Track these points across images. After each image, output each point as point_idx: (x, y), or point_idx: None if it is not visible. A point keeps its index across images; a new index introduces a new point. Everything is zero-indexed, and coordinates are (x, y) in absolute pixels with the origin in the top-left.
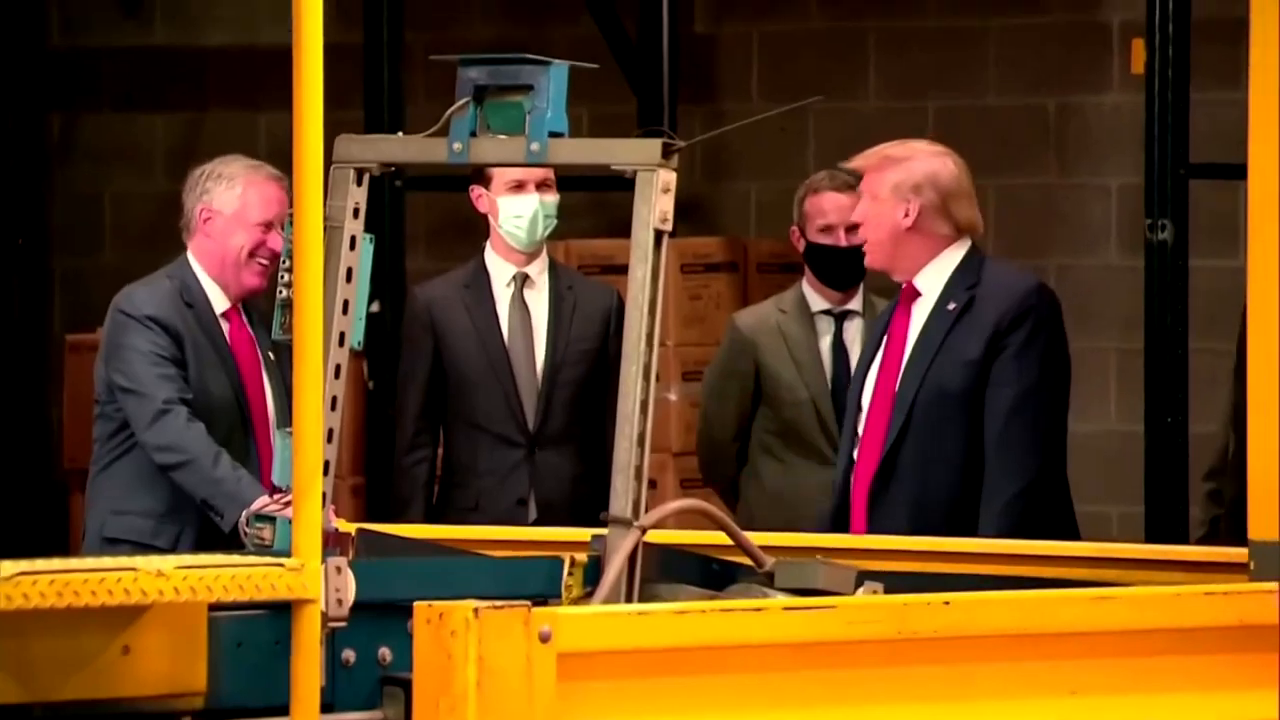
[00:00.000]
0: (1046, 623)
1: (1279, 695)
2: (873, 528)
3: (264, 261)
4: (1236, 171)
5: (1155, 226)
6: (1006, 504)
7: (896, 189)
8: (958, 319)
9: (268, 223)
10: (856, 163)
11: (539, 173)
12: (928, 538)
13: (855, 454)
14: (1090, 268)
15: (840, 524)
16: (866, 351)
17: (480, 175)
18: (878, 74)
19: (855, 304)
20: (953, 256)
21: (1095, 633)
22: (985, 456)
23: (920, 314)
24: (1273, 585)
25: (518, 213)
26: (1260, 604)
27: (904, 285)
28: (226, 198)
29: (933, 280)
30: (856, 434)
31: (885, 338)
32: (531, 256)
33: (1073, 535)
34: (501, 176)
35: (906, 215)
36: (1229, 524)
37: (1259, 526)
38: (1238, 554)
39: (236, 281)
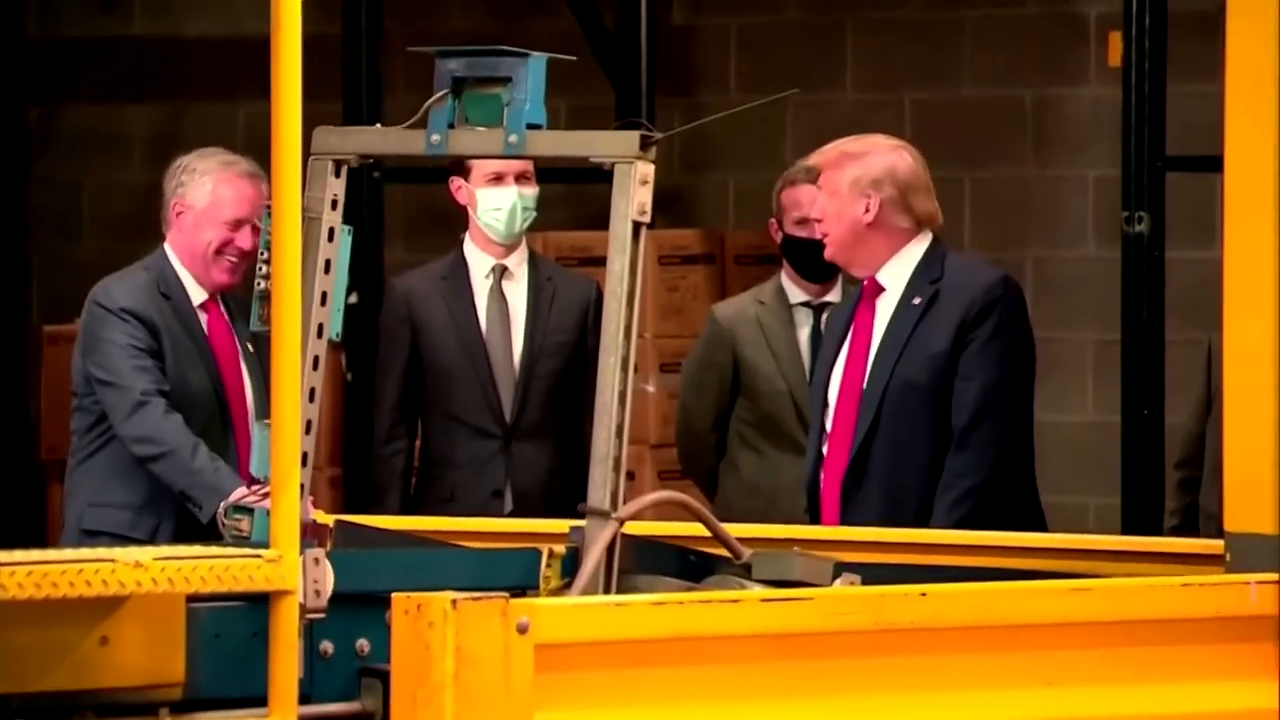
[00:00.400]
0: (1023, 614)
1: (1254, 685)
2: (845, 522)
3: (232, 259)
4: (1213, 164)
5: (1132, 218)
6: (960, 497)
7: (855, 184)
8: (924, 314)
9: (236, 221)
10: (814, 159)
11: (518, 165)
12: (905, 529)
13: (824, 449)
14: (1067, 259)
15: (813, 519)
16: (829, 347)
17: (460, 167)
18: (855, 66)
19: (834, 296)
20: (915, 251)
21: (1072, 624)
22: (948, 449)
23: (885, 309)
24: (1249, 577)
25: (496, 205)
26: (1236, 596)
27: (866, 281)
28: (198, 193)
29: (895, 275)
30: (824, 429)
31: (849, 333)
32: (510, 248)
33: (1038, 527)
34: (481, 169)
35: (867, 211)
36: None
37: (1235, 519)
38: (1214, 545)
39: (207, 276)
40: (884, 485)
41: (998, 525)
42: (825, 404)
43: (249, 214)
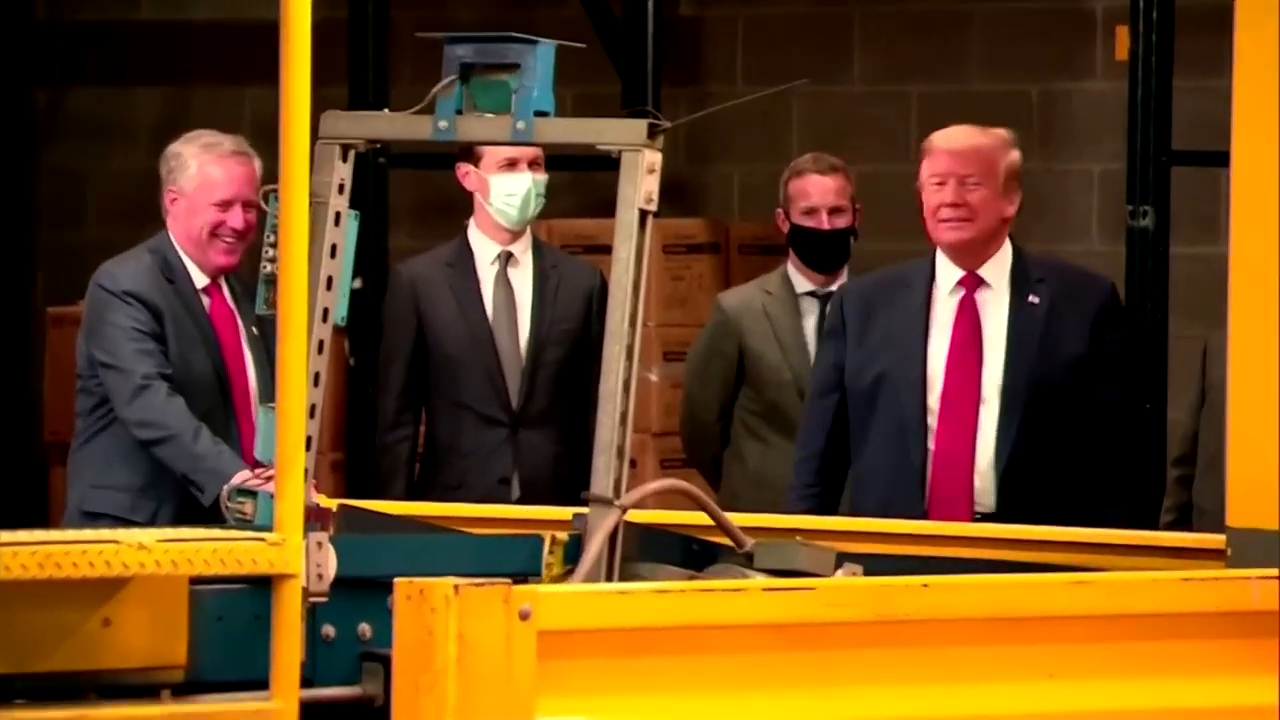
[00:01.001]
0: (1025, 607)
1: (1255, 681)
2: (1007, 520)
3: (228, 240)
4: (1219, 159)
5: (1137, 213)
6: (1129, 500)
7: (1012, 176)
8: (1048, 315)
9: (225, 202)
10: (960, 142)
11: (531, 151)
12: (905, 520)
13: (931, 443)
14: (1072, 254)
15: (914, 508)
16: (913, 336)
17: (469, 153)
18: (862, 59)
19: (839, 286)
20: (1006, 247)
21: (1073, 617)
22: (1097, 453)
23: (994, 306)
24: (1250, 572)
25: (510, 190)
26: (1238, 591)
27: (965, 274)
28: (185, 178)
29: (995, 271)
30: (926, 423)
31: (951, 326)
32: (516, 235)
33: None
34: (494, 155)
35: (1011, 205)
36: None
37: (1238, 514)
38: (1215, 540)
39: (206, 259)
40: (1043, 487)
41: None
42: (915, 392)
43: (237, 193)
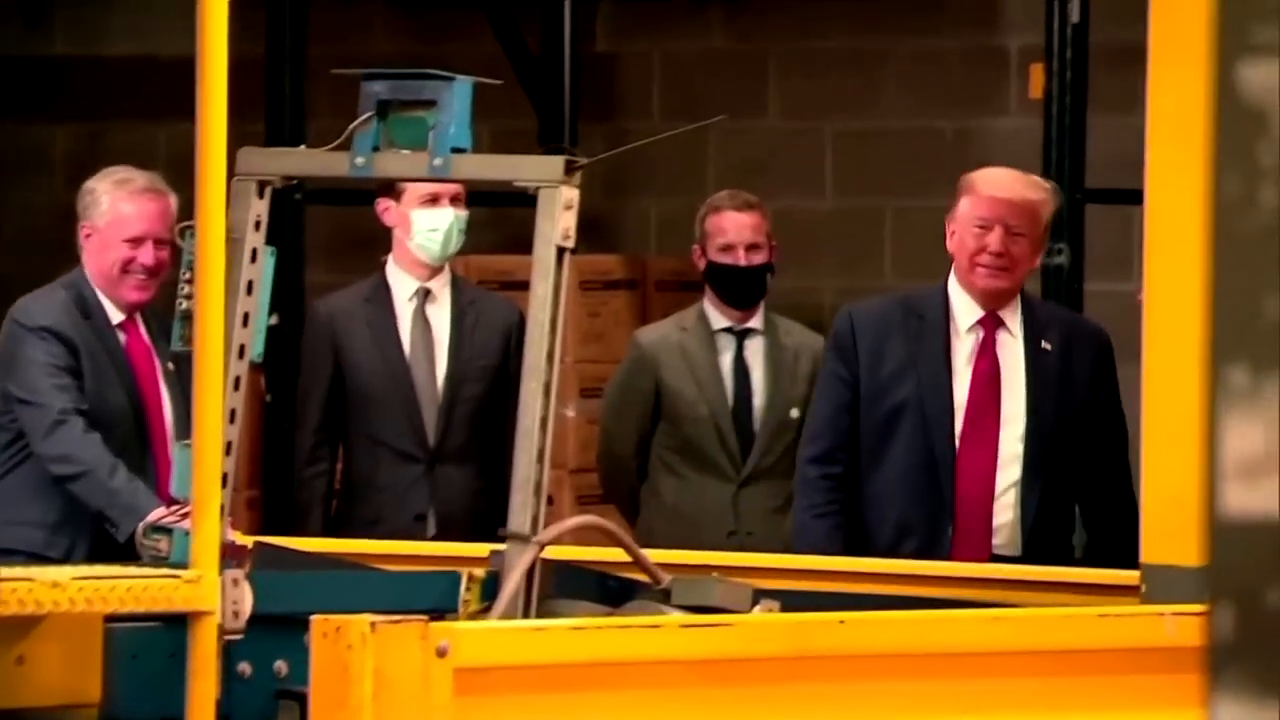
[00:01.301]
0: (941, 643)
1: (1170, 716)
2: (1031, 549)
3: (140, 276)
4: (1133, 197)
5: (1052, 250)
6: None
7: (1046, 230)
8: (1061, 360)
9: (137, 238)
10: (1012, 190)
11: (452, 187)
12: (822, 556)
13: (956, 476)
14: None
15: (941, 535)
16: (938, 369)
17: (390, 188)
18: (778, 94)
19: (756, 322)
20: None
21: (990, 653)
22: (1105, 485)
23: (1010, 348)
24: (1165, 608)
25: (432, 226)
26: (1151, 627)
27: (986, 315)
28: (98, 213)
29: (1011, 314)
30: (955, 456)
31: (973, 362)
32: (434, 271)
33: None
34: (414, 190)
35: (1039, 255)
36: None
37: (1152, 550)
38: (1129, 576)
39: (120, 295)
40: (1059, 520)
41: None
42: (944, 424)
43: (148, 230)
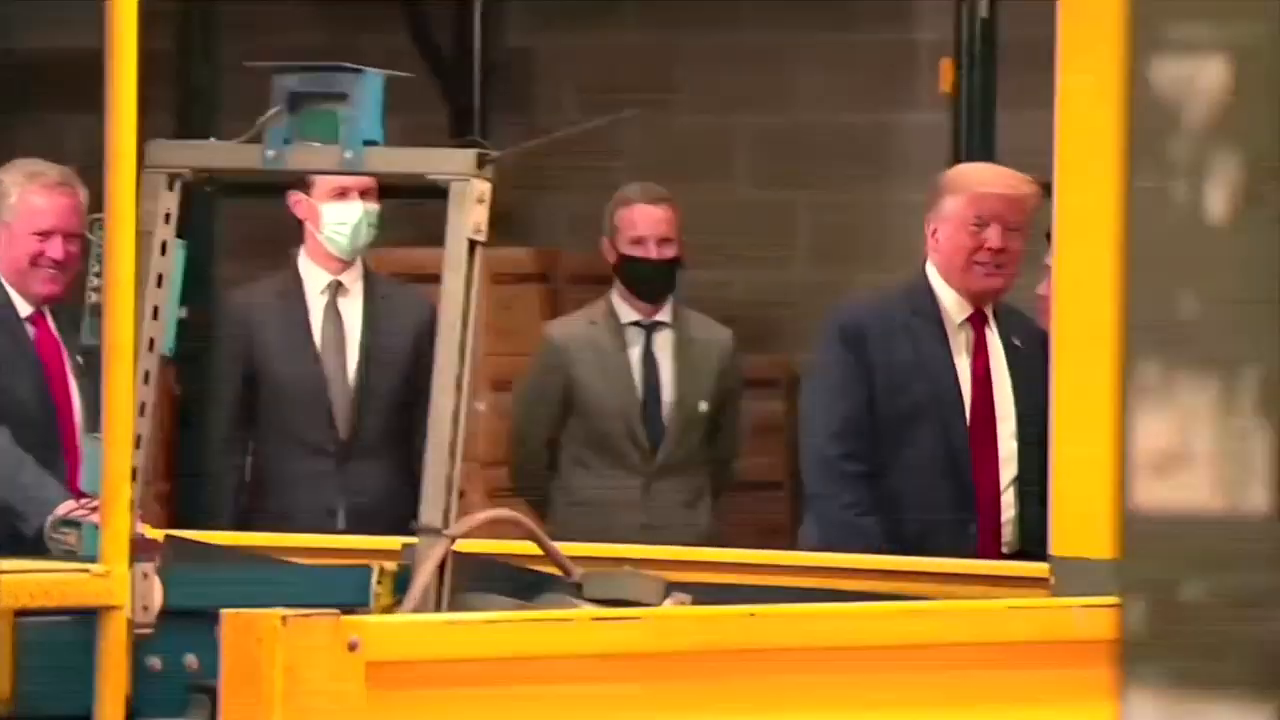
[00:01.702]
0: (851, 636)
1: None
2: (1029, 537)
3: (49, 270)
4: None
5: None
6: None
7: (1029, 228)
8: (1030, 356)
9: (46, 232)
10: (1008, 187)
11: (363, 180)
12: (737, 550)
13: (971, 469)
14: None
15: (966, 530)
16: (945, 367)
17: (301, 182)
18: (690, 90)
19: (664, 315)
20: None
21: (900, 646)
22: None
23: (995, 346)
24: (1074, 601)
25: (341, 219)
26: (1061, 619)
27: (974, 311)
28: (6, 207)
29: (989, 312)
30: (964, 449)
31: (970, 359)
32: (346, 265)
33: None
34: (325, 183)
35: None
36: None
37: (1061, 543)
38: (1039, 569)
39: (29, 289)
40: (1036, 504)
41: None
42: (959, 422)
43: (57, 224)
